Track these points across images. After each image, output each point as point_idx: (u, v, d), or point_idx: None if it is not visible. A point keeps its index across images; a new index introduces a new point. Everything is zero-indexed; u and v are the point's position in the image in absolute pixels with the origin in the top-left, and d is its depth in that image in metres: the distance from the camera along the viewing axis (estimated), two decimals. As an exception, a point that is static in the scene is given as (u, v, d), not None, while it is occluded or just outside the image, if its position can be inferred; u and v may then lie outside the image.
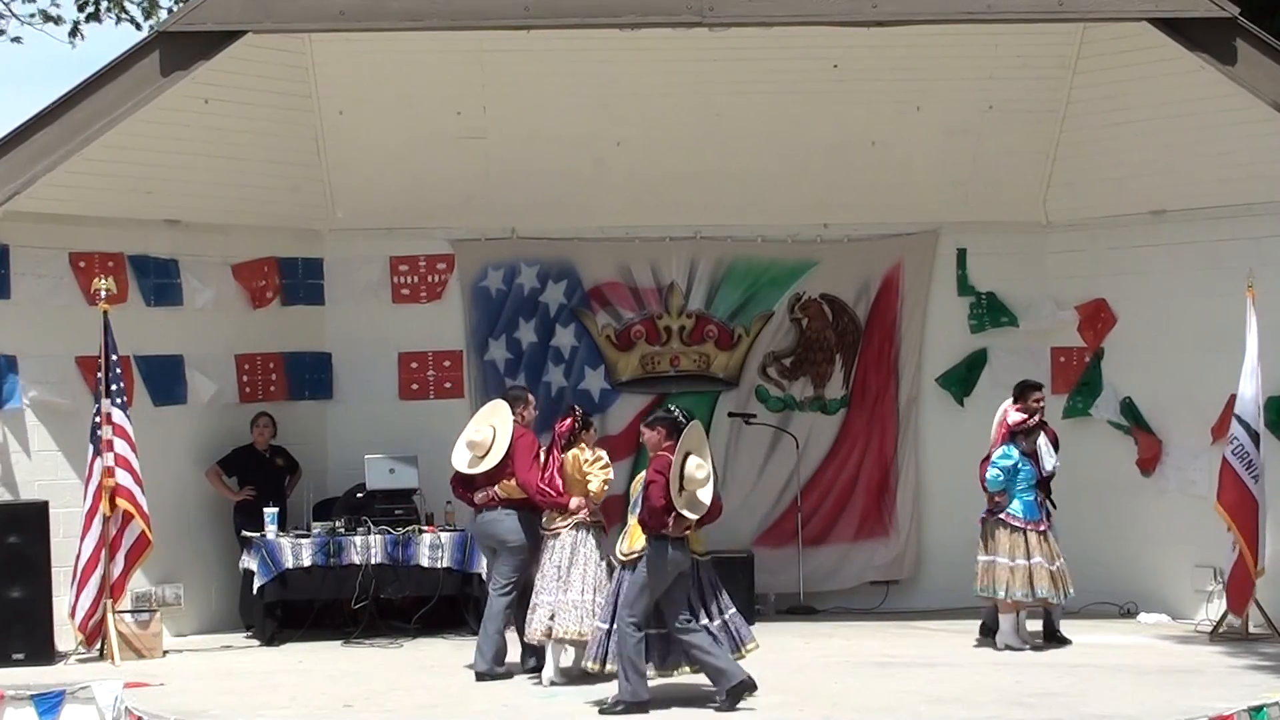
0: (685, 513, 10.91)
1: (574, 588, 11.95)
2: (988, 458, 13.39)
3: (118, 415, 13.18)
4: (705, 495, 11.02)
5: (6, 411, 13.55)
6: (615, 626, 11.16)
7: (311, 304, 15.48)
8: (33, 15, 22.82)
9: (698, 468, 10.94)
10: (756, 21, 13.32)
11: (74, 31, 22.73)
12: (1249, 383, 13.49)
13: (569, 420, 12.24)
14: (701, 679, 11.26)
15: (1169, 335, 14.83)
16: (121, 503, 13.13)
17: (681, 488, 10.90)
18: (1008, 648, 13.16)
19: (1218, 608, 14.09)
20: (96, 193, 13.81)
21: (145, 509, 13.20)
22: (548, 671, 12.00)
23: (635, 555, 11.07)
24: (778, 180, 15.31)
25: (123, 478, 13.14)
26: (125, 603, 13.43)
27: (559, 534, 12.04)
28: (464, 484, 12.58)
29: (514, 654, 12.36)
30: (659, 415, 11.46)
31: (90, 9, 22.78)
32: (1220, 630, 13.75)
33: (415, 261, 15.59)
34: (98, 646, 13.14)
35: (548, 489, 12.06)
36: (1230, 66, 13.17)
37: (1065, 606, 13.50)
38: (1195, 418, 14.57)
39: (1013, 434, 13.32)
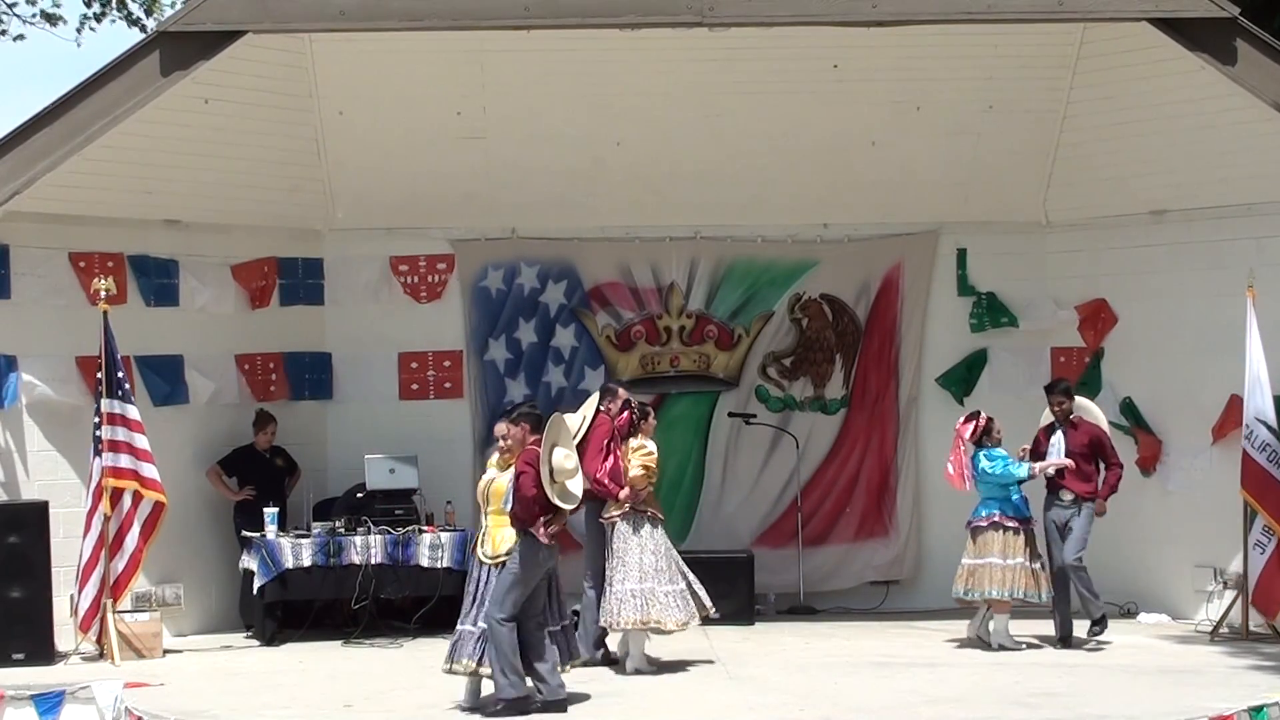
0: (558, 503, 10.96)
1: (631, 577, 12.27)
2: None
3: (133, 411, 13.23)
4: (576, 486, 11.11)
5: (6, 411, 13.55)
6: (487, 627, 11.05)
7: (311, 304, 15.48)
8: (35, 15, 22.86)
9: (565, 458, 11.02)
10: (756, 21, 13.32)
11: (81, 28, 22.78)
12: (1259, 385, 13.46)
13: (625, 413, 12.63)
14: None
15: (1169, 335, 14.83)
16: (158, 495, 13.21)
17: (553, 479, 10.96)
18: (1001, 647, 13.15)
19: (1218, 608, 14.11)
20: (96, 193, 13.81)
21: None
22: (633, 661, 12.34)
23: (500, 558, 11.02)
24: (778, 180, 15.32)
25: (150, 471, 13.20)
26: (126, 603, 13.44)
27: (615, 523, 12.40)
28: None
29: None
30: (522, 412, 11.49)
31: (96, 8, 22.82)
32: (1220, 630, 13.75)
33: (415, 261, 15.59)
34: (95, 639, 13.16)
35: (604, 480, 12.38)
36: (1230, 66, 13.18)
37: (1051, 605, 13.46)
38: (1195, 417, 14.58)
39: (978, 442, 13.34)
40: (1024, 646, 13.22)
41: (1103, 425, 13.70)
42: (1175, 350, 14.78)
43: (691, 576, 12.62)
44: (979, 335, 15.72)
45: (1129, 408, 15.11)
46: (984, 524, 13.25)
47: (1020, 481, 13.30)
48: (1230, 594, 14.03)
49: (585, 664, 12.07)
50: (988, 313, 15.68)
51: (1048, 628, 13.52)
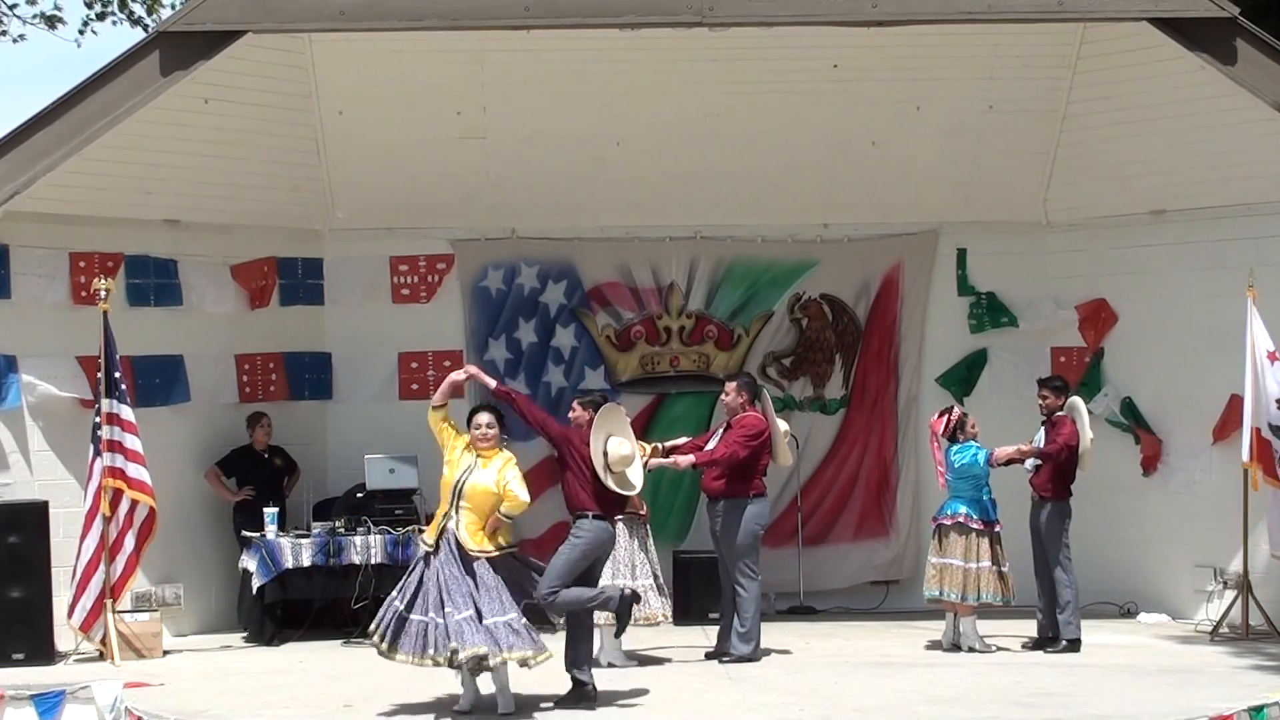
0: (618, 490, 11.23)
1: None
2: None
3: (127, 412, 13.21)
4: (635, 475, 11.30)
5: (6, 411, 13.56)
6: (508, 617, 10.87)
7: (311, 304, 15.49)
8: (35, 17, 22.87)
9: (620, 444, 11.21)
10: (756, 21, 13.33)
11: (84, 30, 22.79)
12: (1263, 388, 13.44)
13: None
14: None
15: (1169, 335, 14.84)
16: (143, 498, 13.17)
17: (610, 469, 11.14)
18: (971, 649, 13.12)
19: (1218, 608, 14.12)
20: (96, 193, 13.82)
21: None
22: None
23: (487, 551, 10.98)
24: (778, 180, 15.32)
25: (137, 472, 13.16)
26: (125, 602, 13.43)
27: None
28: None
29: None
30: (593, 399, 11.78)
31: (98, 8, 22.85)
32: (1220, 630, 13.76)
33: (415, 261, 15.60)
34: (99, 641, 13.15)
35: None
36: (1230, 66, 13.19)
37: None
38: (1196, 417, 14.59)
39: (952, 437, 13.32)
40: (994, 649, 13.18)
41: (1081, 435, 13.19)
42: (1175, 350, 14.79)
43: (657, 578, 12.83)
44: (979, 335, 15.73)
45: (1129, 407, 15.12)
46: (948, 522, 13.20)
47: (986, 474, 13.19)
48: (1230, 594, 14.03)
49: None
50: (987, 313, 15.69)
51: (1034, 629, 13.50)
